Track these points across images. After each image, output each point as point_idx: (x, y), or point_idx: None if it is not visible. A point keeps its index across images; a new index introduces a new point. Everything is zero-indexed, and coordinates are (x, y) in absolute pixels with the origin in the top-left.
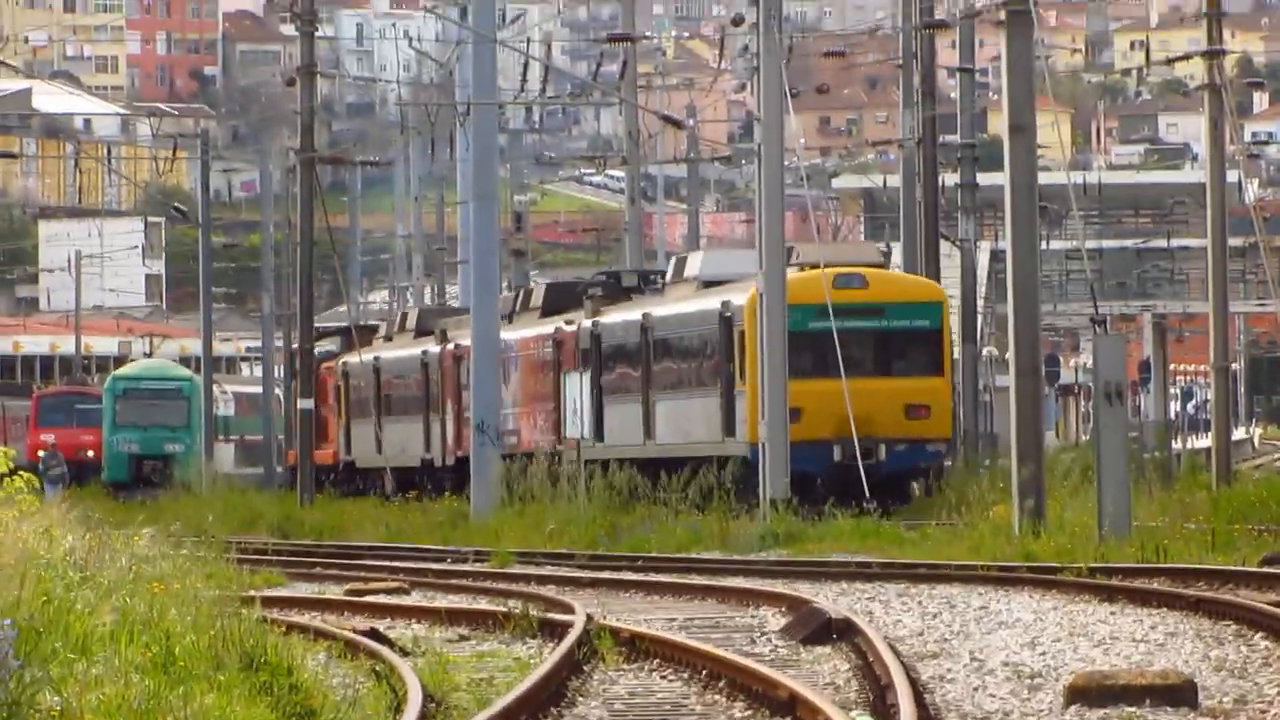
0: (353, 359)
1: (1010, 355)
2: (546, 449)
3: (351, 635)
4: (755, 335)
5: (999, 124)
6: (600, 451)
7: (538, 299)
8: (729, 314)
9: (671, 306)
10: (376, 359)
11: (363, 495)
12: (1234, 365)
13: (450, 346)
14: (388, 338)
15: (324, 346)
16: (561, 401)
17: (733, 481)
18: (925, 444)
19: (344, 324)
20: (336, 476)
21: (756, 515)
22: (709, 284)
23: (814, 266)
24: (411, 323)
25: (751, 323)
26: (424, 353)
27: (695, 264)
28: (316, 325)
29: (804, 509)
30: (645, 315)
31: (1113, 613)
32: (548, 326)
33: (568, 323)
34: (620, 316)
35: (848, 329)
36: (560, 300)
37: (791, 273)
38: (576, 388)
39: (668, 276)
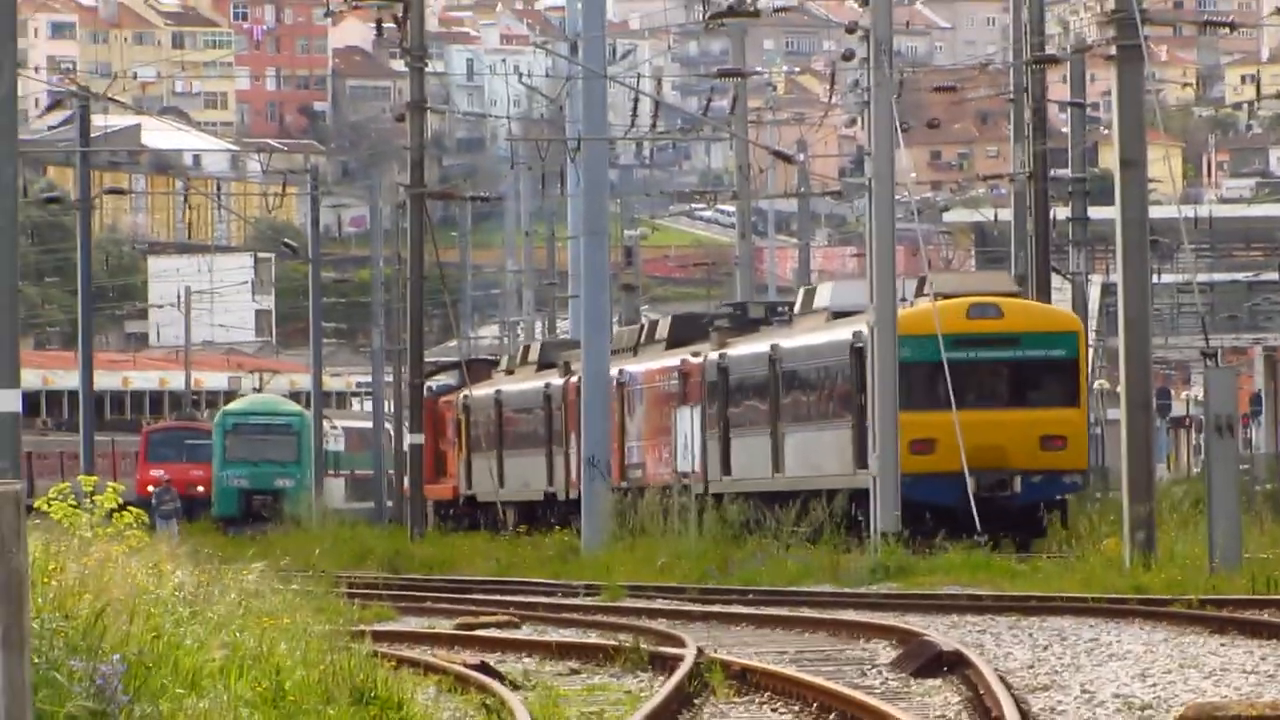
0: (474, 392)
1: (1122, 389)
2: (671, 482)
3: (462, 669)
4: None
5: (1110, 158)
6: (728, 485)
7: (663, 331)
8: (860, 344)
9: (801, 338)
10: (498, 392)
11: (483, 530)
12: None
13: (574, 379)
14: (509, 371)
15: (442, 380)
16: (674, 436)
17: (863, 515)
18: (1061, 475)
19: (461, 358)
20: (456, 511)
21: (868, 548)
22: (839, 315)
23: (947, 296)
24: (534, 355)
25: None
26: (546, 385)
27: (825, 295)
28: (431, 360)
29: (923, 541)
30: (773, 347)
31: (1223, 644)
32: (673, 359)
33: (694, 354)
34: (748, 348)
35: (982, 359)
36: (686, 332)
37: (924, 303)
38: (688, 423)
39: (796, 308)
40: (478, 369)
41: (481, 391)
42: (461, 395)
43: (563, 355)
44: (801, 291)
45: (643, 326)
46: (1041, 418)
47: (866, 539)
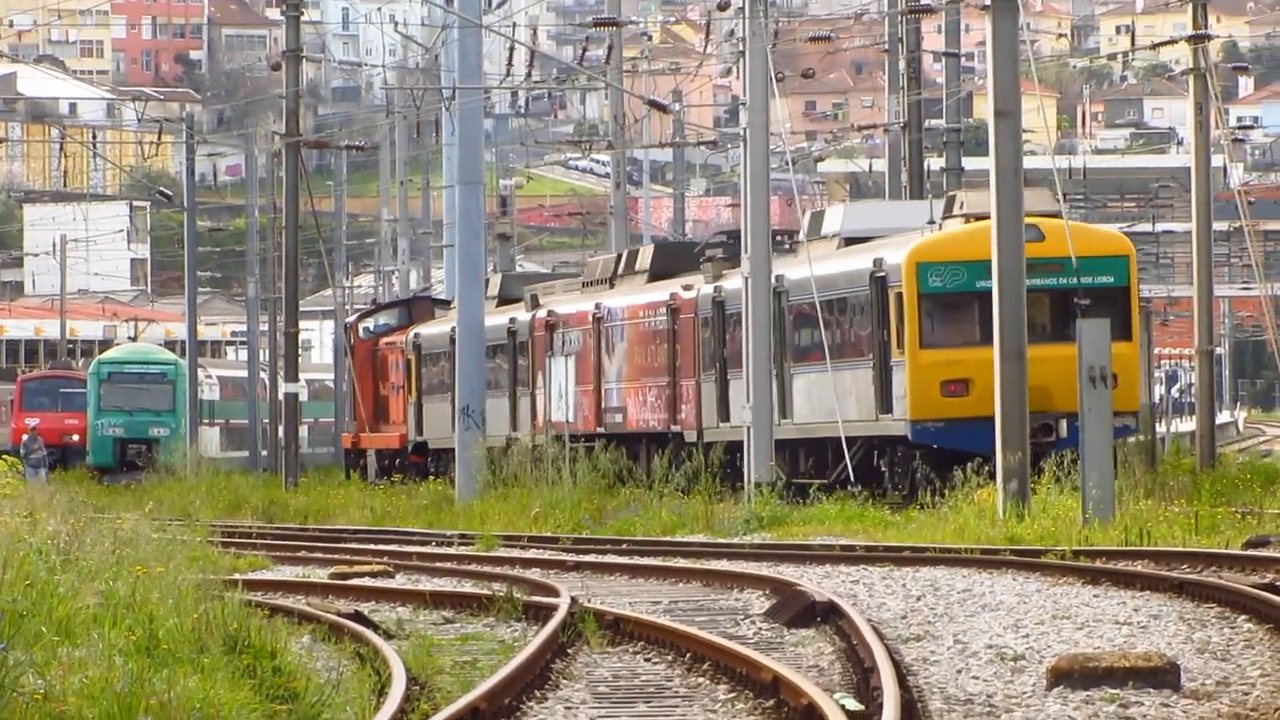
0: (426, 330)
1: (995, 340)
2: (659, 429)
3: (336, 618)
4: (915, 297)
5: (984, 108)
6: (726, 433)
7: (644, 261)
8: (882, 273)
9: (809, 267)
10: (453, 330)
11: (437, 478)
12: (1218, 349)
13: (542, 314)
14: None
15: (382, 320)
16: (547, 386)
17: (886, 465)
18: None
19: (405, 297)
20: (404, 460)
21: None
22: (851, 240)
23: (980, 217)
24: (493, 290)
25: (911, 283)
26: (511, 321)
27: (835, 219)
28: (376, 300)
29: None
30: (778, 278)
31: (1096, 595)
32: (660, 292)
33: (685, 288)
34: None
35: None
36: (671, 263)
37: (956, 224)
38: (561, 373)
39: (801, 234)
40: (423, 307)
41: (434, 330)
42: (412, 335)
43: (528, 289)
44: (807, 216)
45: (620, 256)
46: None
47: (892, 492)
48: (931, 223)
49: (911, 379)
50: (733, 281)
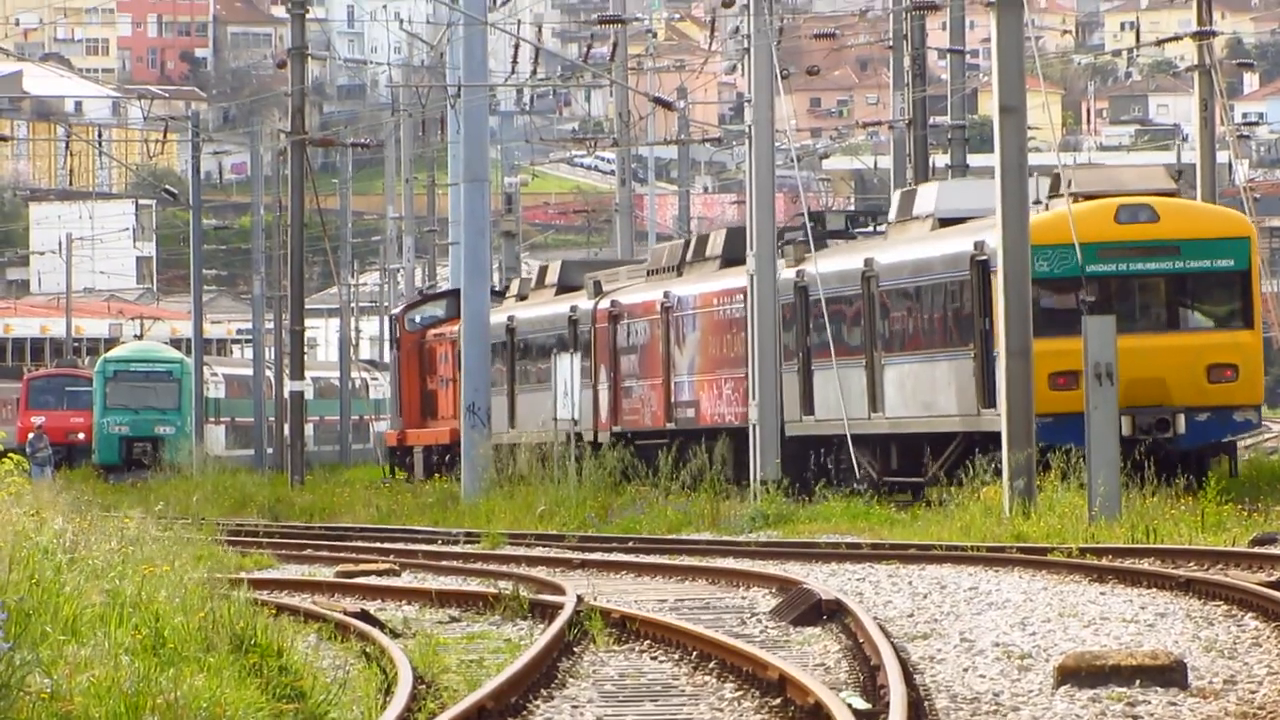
0: None
1: (1001, 337)
2: (737, 423)
3: (342, 617)
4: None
5: (989, 105)
6: (810, 426)
7: (715, 247)
8: (984, 257)
9: (902, 250)
10: (511, 319)
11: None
12: None
13: (605, 304)
14: (521, 296)
15: (429, 312)
16: (552, 384)
17: (987, 462)
18: (1232, 412)
19: (453, 288)
20: (453, 458)
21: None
22: (946, 221)
23: (1090, 197)
24: (552, 278)
25: None
26: (572, 309)
27: (929, 198)
28: (420, 290)
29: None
30: (868, 261)
31: (1103, 593)
32: (734, 279)
33: None
34: (833, 264)
35: (1135, 272)
36: (744, 248)
37: (1061, 205)
38: (567, 369)
39: (891, 215)
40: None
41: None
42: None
43: (590, 276)
44: (898, 195)
45: (687, 242)
46: (1208, 343)
47: (986, 486)
48: (1037, 202)
49: None
50: (817, 265)
